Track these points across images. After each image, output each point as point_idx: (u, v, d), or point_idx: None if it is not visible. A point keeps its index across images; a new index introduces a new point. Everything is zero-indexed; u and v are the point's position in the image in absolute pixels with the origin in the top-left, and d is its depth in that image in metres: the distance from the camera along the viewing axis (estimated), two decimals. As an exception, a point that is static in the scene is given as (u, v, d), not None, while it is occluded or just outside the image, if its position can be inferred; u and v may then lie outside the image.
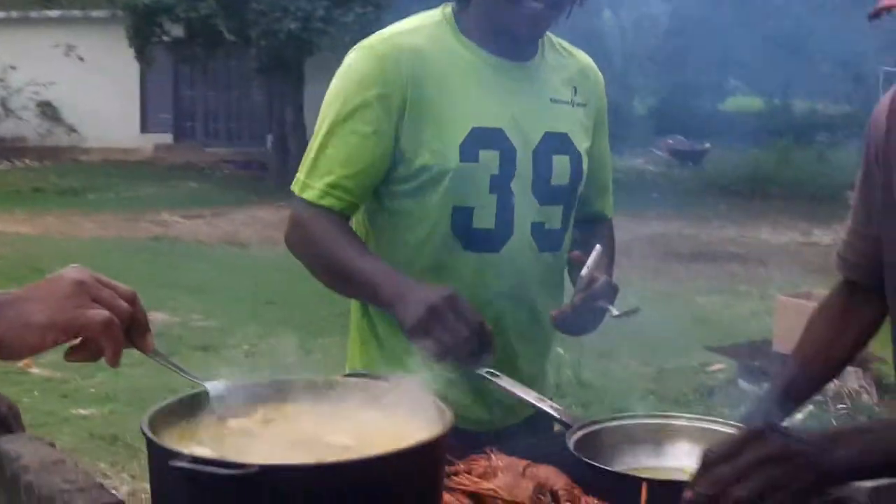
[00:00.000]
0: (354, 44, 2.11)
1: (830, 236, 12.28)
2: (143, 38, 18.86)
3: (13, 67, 21.24)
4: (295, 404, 1.40)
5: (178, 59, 20.19)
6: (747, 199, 16.53)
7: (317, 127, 2.12)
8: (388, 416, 1.36)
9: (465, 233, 2.06)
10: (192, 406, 1.35)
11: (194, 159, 20.41)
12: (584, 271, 1.97)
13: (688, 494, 1.23)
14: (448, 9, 2.13)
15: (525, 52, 2.13)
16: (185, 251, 11.97)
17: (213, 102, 22.04)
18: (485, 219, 2.06)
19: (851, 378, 6.15)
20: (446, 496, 1.42)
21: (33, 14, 22.60)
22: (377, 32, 2.12)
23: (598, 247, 2.01)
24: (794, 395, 2.11)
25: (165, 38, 19.09)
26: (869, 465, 1.29)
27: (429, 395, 1.37)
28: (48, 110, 21.97)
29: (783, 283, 9.33)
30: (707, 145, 21.79)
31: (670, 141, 22.00)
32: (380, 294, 1.97)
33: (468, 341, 1.84)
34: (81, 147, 21.26)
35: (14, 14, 22.61)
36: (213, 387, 1.35)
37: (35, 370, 6.92)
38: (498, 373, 1.87)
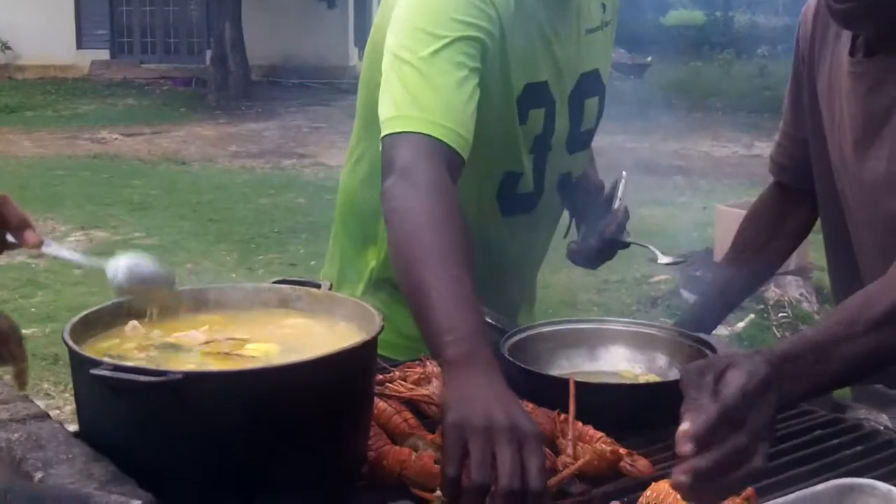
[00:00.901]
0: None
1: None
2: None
3: (-58, -17, 20.63)
4: (220, 311, 1.37)
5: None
6: (689, 113, 16.55)
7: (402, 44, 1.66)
8: (316, 322, 1.35)
9: (508, 197, 1.84)
10: (113, 315, 1.33)
11: (132, 76, 20.03)
12: (616, 203, 1.86)
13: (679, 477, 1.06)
14: None
15: None
16: (125, 169, 11.78)
17: (149, 17, 21.57)
18: (527, 181, 1.85)
19: (792, 286, 6.23)
20: (380, 403, 1.41)
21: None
22: None
23: (623, 174, 1.89)
24: (728, 299, 2.11)
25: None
26: (816, 391, 1.27)
27: (358, 301, 1.35)
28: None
29: (726, 194, 9.40)
30: (649, 59, 21.75)
31: (612, 55, 21.92)
32: (438, 347, 1.31)
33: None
34: (16, 64, 20.76)
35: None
36: (114, 269, 1.33)
37: (-27, 290, 6.84)
38: None
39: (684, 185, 10.99)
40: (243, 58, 17.88)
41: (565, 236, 2.04)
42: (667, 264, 1.94)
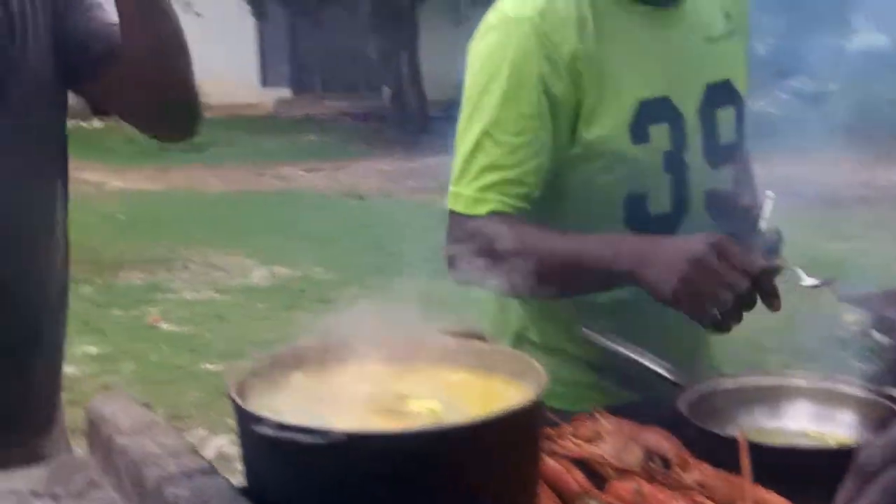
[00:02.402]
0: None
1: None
2: (258, -9, 19.02)
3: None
4: (383, 361, 1.35)
5: (293, 12, 20.28)
6: (878, 142, 15.93)
7: (462, 122, 1.77)
8: (478, 377, 1.31)
9: (640, 222, 1.77)
10: (279, 366, 1.32)
11: (313, 112, 20.55)
12: (762, 224, 1.74)
13: None
14: None
15: None
16: (306, 204, 12.07)
17: (329, 54, 22.11)
18: (661, 202, 1.78)
19: None
20: (549, 461, 1.36)
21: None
22: None
23: (769, 193, 1.77)
24: None
25: (279, -10, 19.22)
26: None
27: (522, 354, 1.31)
28: (170, 67, 22.33)
29: (919, 228, 8.99)
30: (833, 86, 21.07)
31: (794, 83, 21.34)
32: (614, 266, 1.62)
33: (751, 294, 1.52)
34: (203, 103, 21.57)
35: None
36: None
37: (164, 325, 7.07)
38: (608, 333, 1.69)
39: (872, 219, 10.55)
40: (421, 92, 18.13)
41: None
42: (812, 286, 1.79)
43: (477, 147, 1.72)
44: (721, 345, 2.10)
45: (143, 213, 11.17)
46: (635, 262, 1.59)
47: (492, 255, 1.59)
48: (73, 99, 1.84)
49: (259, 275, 8.49)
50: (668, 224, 1.80)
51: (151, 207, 11.57)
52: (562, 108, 1.71)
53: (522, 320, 1.93)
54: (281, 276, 8.52)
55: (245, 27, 21.08)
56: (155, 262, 8.72)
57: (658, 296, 1.56)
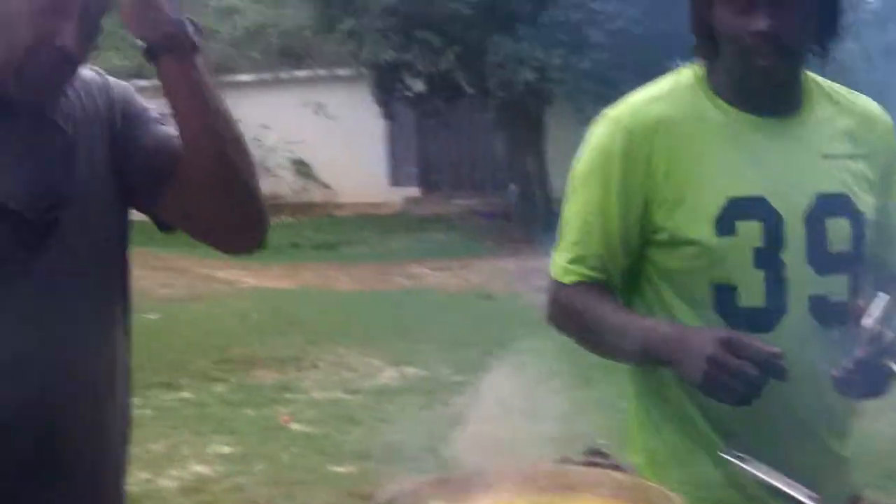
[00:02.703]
0: (593, 91, 2.11)
1: None
2: (386, 93, 19.44)
3: (266, 127, 22.25)
4: (519, 492, 1.32)
5: (421, 114, 20.67)
6: None
7: (565, 200, 2.07)
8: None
9: (730, 312, 1.90)
10: (415, 498, 1.30)
11: (441, 211, 20.78)
12: (866, 320, 1.77)
13: None
14: (701, 69, 1.99)
15: (785, 105, 1.95)
16: (434, 304, 12.13)
17: (456, 154, 22.41)
18: (752, 296, 1.89)
19: None
20: None
21: (283, 75, 23.67)
22: (625, 100, 2.01)
23: (881, 294, 1.79)
24: None
25: (408, 94, 19.59)
26: None
27: (658, 487, 1.27)
28: (302, 167, 22.90)
29: None
30: None
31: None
32: (655, 353, 1.88)
33: (760, 378, 1.73)
34: (334, 202, 22.03)
35: (266, 76, 23.75)
36: None
37: (294, 426, 7.11)
38: (744, 456, 1.76)
39: None
40: (547, 191, 18.19)
41: None
42: None
43: (568, 223, 2.02)
44: (860, 460, 2.07)
45: (275, 311, 11.33)
46: (665, 351, 1.85)
47: (571, 317, 2.01)
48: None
49: (388, 375, 8.50)
50: (761, 319, 1.89)
51: (283, 305, 11.73)
52: (637, 198, 1.93)
53: (660, 441, 2.01)
54: (410, 376, 8.51)
55: (375, 128, 21.53)
56: (286, 361, 8.82)
57: (688, 382, 1.81)
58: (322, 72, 23.16)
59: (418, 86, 19.31)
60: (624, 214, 1.94)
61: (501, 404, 1.36)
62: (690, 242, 1.90)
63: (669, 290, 1.96)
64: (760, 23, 1.80)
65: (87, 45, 1.68)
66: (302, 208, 21.84)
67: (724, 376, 1.72)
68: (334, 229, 19.22)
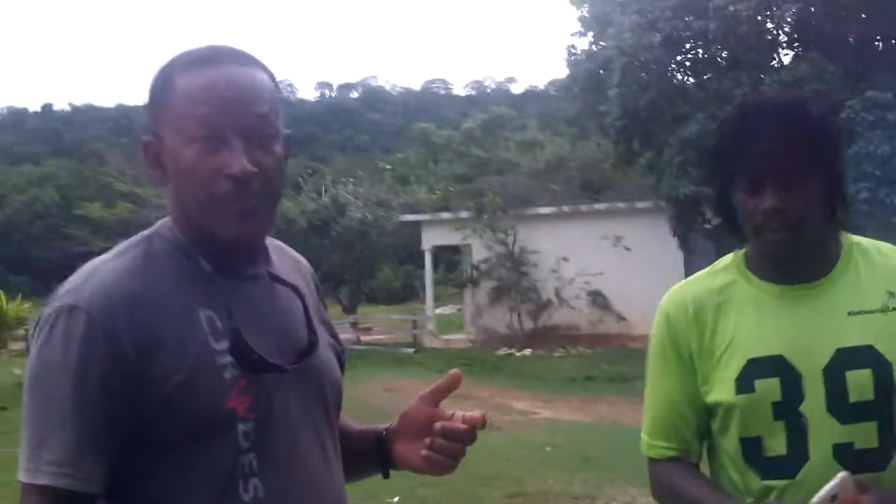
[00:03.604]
0: None
1: None
2: (685, 226, 19.24)
3: (565, 259, 22.47)
4: None
5: (720, 246, 20.25)
6: None
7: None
8: None
9: (758, 462, 2.06)
10: None
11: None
12: (816, 499, 1.83)
13: None
14: (742, 250, 2.19)
15: (810, 271, 2.09)
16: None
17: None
18: (775, 446, 2.04)
19: None
20: None
21: (583, 208, 23.96)
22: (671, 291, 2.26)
23: (841, 475, 1.85)
24: None
25: (707, 226, 19.30)
26: None
27: None
28: (598, 299, 22.90)
29: None
30: None
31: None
32: None
33: None
34: (630, 334, 21.83)
35: (566, 209, 24.11)
36: None
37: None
38: None
39: None
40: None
41: None
42: None
43: (645, 403, 2.22)
44: None
45: (569, 444, 11.21)
46: None
47: (663, 490, 2.16)
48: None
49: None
50: (784, 467, 2.02)
51: (578, 439, 11.59)
52: (689, 375, 2.13)
53: None
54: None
55: (672, 260, 21.31)
56: (580, 498, 8.63)
57: None
58: (621, 204, 23.25)
59: (717, 218, 18.98)
60: (682, 387, 2.14)
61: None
62: (717, 404, 2.08)
63: (718, 448, 2.15)
64: (767, 201, 1.99)
65: (267, 162, 1.69)
66: (597, 339, 21.75)
67: None
68: (629, 361, 18.95)
